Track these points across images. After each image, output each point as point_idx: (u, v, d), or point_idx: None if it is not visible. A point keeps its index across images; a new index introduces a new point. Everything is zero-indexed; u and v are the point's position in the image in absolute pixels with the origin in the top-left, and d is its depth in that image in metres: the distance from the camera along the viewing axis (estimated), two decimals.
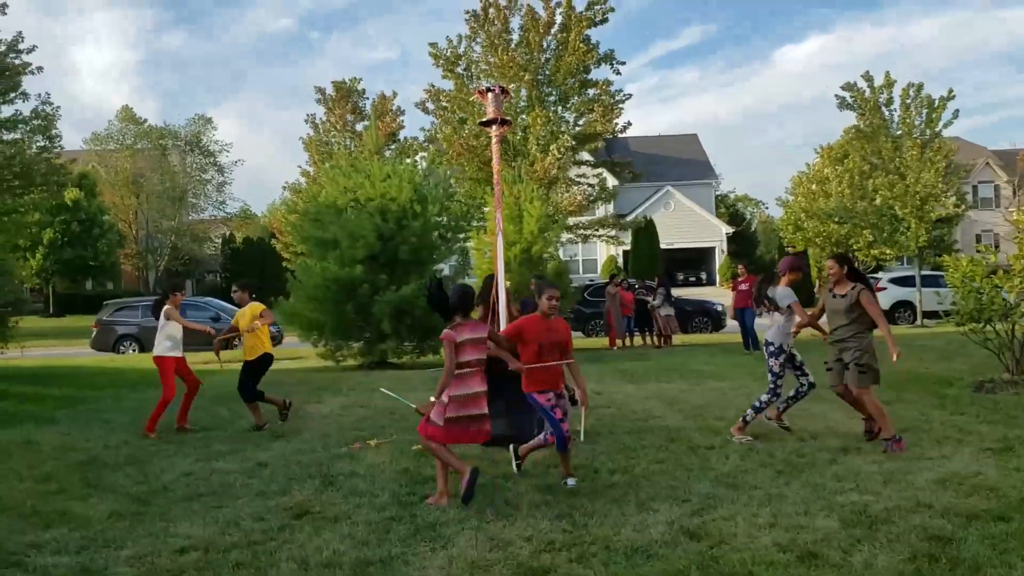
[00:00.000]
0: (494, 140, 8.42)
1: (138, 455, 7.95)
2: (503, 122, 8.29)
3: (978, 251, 11.68)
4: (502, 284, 8.55)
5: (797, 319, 7.89)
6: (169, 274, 50.24)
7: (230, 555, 4.89)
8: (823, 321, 8.00)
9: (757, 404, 7.93)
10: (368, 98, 43.00)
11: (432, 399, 5.97)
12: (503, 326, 7.95)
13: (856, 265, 8.03)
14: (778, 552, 4.62)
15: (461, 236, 18.61)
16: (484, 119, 8.41)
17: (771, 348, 7.86)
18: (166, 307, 9.44)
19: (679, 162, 52.61)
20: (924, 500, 5.50)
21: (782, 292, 7.92)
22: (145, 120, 56.59)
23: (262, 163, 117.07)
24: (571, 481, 6.27)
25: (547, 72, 28.47)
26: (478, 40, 28.50)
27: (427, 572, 4.54)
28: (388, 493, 6.19)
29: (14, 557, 4.94)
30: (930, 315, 25.31)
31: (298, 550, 4.95)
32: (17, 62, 26.97)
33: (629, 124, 29.47)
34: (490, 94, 8.29)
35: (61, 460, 7.77)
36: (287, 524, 5.50)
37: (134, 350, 22.48)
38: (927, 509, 5.30)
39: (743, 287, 17.55)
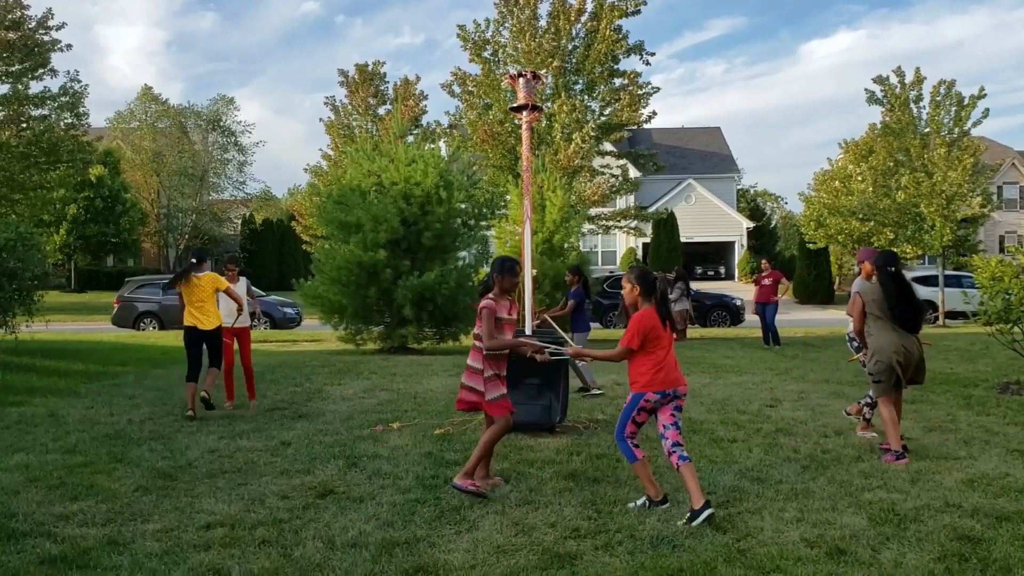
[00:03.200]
0: (524, 126, 8.36)
1: (162, 431, 8.00)
2: (534, 108, 8.22)
3: (1008, 251, 11.54)
4: (528, 273, 8.51)
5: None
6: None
7: (256, 532, 4.91)
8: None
9: (869, 399, 7.59)
10: (389, 82, 42.98)
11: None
12: (528, 313, 7.93)
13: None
14: (806, 548, 4.59)
15: (484, 224, 18.54)
16: (515, 104, 8.35)
17: (855, 343, 7.62)
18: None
19: (702, 155, 52.32)
20: (952, 500, 5.45)
21: (857, 284, 7.58)
22: (166, 99, 56.91)
23: (284, 146, 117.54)
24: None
25: (574, 60, 28.35)
26: (506, 25, 28.42)
27: (452, 555, 4.53)
28: (412, 475, 6.19)
29: (43, 528, 4.98)
30: (952, 315, 25.10)
31: (324, 529, 4.96)
32: (46, 39, 27.19)
33: (654, 114, 29.34)
34: (521, 79, 8.22)
35: (86, 433, 7.83)
36: (312, 503, 5.52)
37: (154, 327, 22.64)
38: (956, 509, 5.26)
39: (766, 282, 17.46)
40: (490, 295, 5.92)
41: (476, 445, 6.68)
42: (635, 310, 5.56)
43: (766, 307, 17.30)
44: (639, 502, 5.42)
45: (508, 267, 6.00)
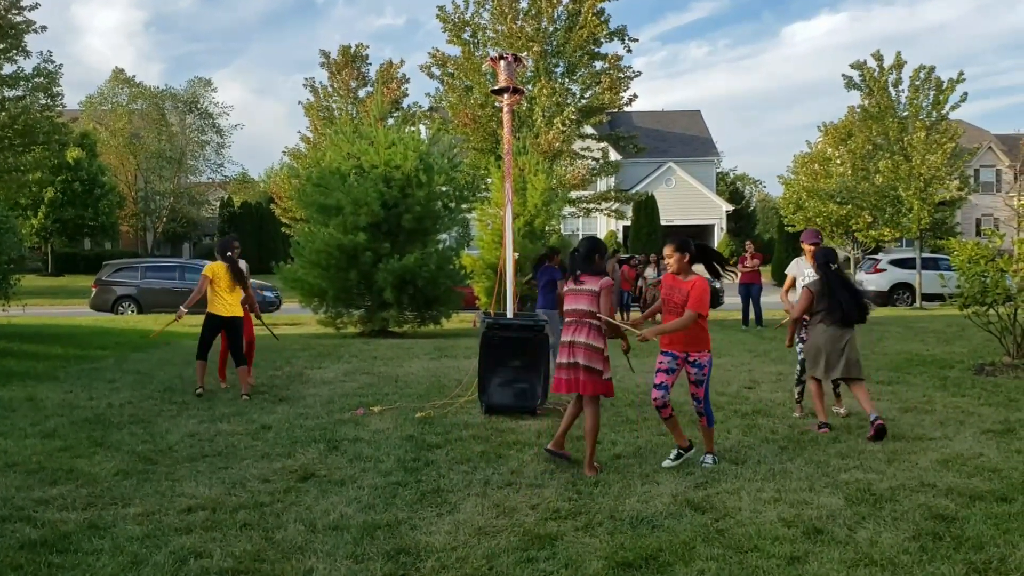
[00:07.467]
0: (505, 109, 8.35)
1: (142, 415, 7.96)
2: (515, 91, 8.21)
3: (984, 234, 11.66)
4: (510, 255, 8.53)
5: None
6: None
7: (237, 515, 4.91)
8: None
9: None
10: (371, 64, 42.69)
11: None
12: (510, 294, 7.97)
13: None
14: (783, 527, 4.65)
15: (465, 206, 18.51)
16: (496, 87, 8.34)
17: None
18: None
19: (682, 138, 52.32)
20: (927, 480, 5.54)
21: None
22: (140, 81, 56.27)
23: (262, 129, 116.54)
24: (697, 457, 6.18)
25: (555, 43, 28.26)
26: (487, 7, 28.26)
27: (434, 537, 4.56)
28: (393, 458, 6.21)
29: (23, 512, 4.96)
30: (928, 297, 25.35)
31: (305, 512, 4.97)
32: (19, 19, 26.79)
33: (635, 97, 29.35)
34: (502, 61, 8.21)
35: (65, 417, 7.79)
36: (293, 486, 5.53)
37: (132, 311, 22.47)
38: (931, 489, 5.34)
39: (748, 263, 17.61)
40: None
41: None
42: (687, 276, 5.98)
43: (751, 287, 17.46)
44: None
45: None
